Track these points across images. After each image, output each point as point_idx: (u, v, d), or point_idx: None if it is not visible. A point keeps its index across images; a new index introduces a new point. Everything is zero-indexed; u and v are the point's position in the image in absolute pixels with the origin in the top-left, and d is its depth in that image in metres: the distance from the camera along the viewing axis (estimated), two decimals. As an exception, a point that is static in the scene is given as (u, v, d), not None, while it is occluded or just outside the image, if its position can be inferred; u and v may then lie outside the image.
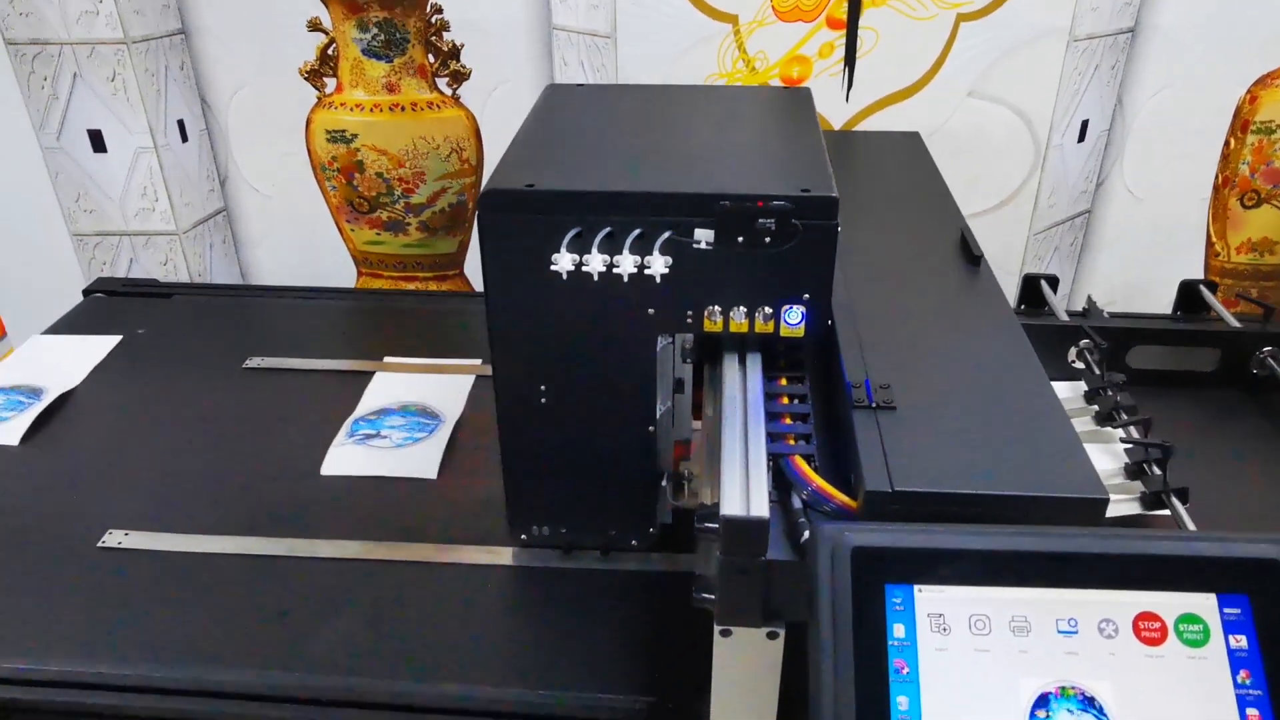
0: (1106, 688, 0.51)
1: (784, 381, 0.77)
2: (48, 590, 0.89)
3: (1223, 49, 1.49)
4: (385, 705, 0.79)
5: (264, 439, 1.11)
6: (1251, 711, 0.51)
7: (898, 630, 0.52)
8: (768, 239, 0.73)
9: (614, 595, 0.88)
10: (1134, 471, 0.91)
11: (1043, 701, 0.51)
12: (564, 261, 0.74)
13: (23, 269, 1.67)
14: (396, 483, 1.03)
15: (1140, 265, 1.68)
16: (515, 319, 0.79)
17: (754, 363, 0.78)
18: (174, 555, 0.93)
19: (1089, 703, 0.51)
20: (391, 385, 1.19)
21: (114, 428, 1.14)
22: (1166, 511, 0.80)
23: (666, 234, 0.74)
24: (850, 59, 1.48)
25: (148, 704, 0.80)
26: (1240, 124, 1.55)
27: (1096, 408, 0.95)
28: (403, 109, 1.58)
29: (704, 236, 0.74)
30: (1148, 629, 0.52)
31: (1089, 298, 1.17)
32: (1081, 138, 1.56)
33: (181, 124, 1.61)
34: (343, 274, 1.77)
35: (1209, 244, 1.66)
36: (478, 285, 1.69)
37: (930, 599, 0.53)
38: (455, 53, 1.55)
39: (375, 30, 1.53)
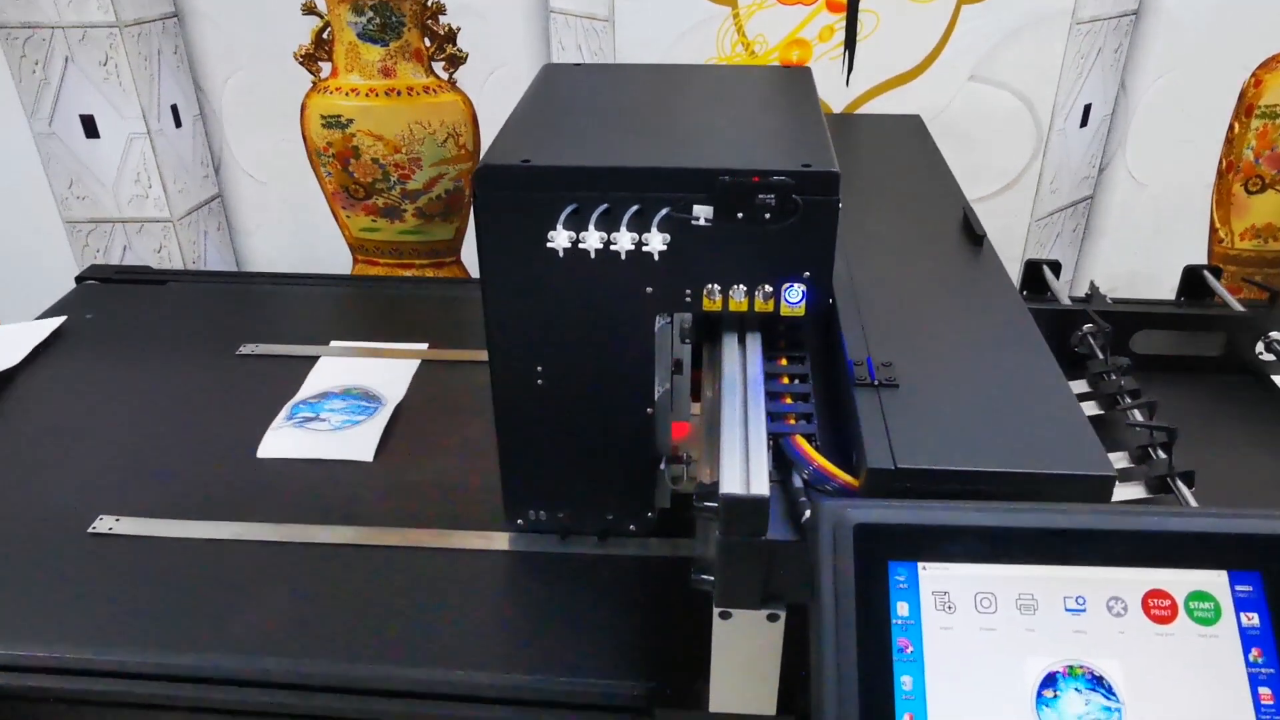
0: (1115, 667, 0.50)
1: (784, 362, 0.76)
2: (36, 576, 0.88)
3: (1227, 31, 1.47)
4: (382, 691, 0.78)
5: (259, 426, 1.10)
6: (1264, 690, 0.50)
7: (901, 609, 0.51)
8: (768, 215, 0.72)
9: (612, 580, 0.86)
10: (1139, 456, 0.90)
11: (1050, 681, 0.50)
12: (560, 239, 0.73)
13: (15, 256, 1.65)
14: (331, 465, 1.02)
15: (1143, 252, 1.67)
16: (511, 299, 0.78)
17: (754, 342, 0.77)
18: (165, 541, 0.92)
19: (1097, 682, 0.50)
20: (336, 369, 1.19)
21: (104, 413, 1.12)
22: (1172, 496, 0.79)
23: (665, 210, 0.73)
24: (850, 42, 1.46)
25: (148, 690, 0.79)
26: (1244, 108, 1.53)
27: (1101, 392, 0.94)
28: (399, 94, 1.57)
29: (703, 213, 0.73)
30: (1158, 607, 0.51)
31: (1092, 283, 1.16)
32: (1084, 122, 1.54)
33: (175, 109, 1.59)
34: (338, 262, 1.75)
35: (1212, 230, 1.65)
36: (475, 273, 1.67)
37: (935, 577, 0.52)
38: (452, 36, 1.53)
39: (370, 14, 1.51)
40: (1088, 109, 1.54)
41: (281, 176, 1.68)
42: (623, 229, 0.72)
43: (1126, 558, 0.52)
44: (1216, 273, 1.17)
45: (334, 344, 1.25)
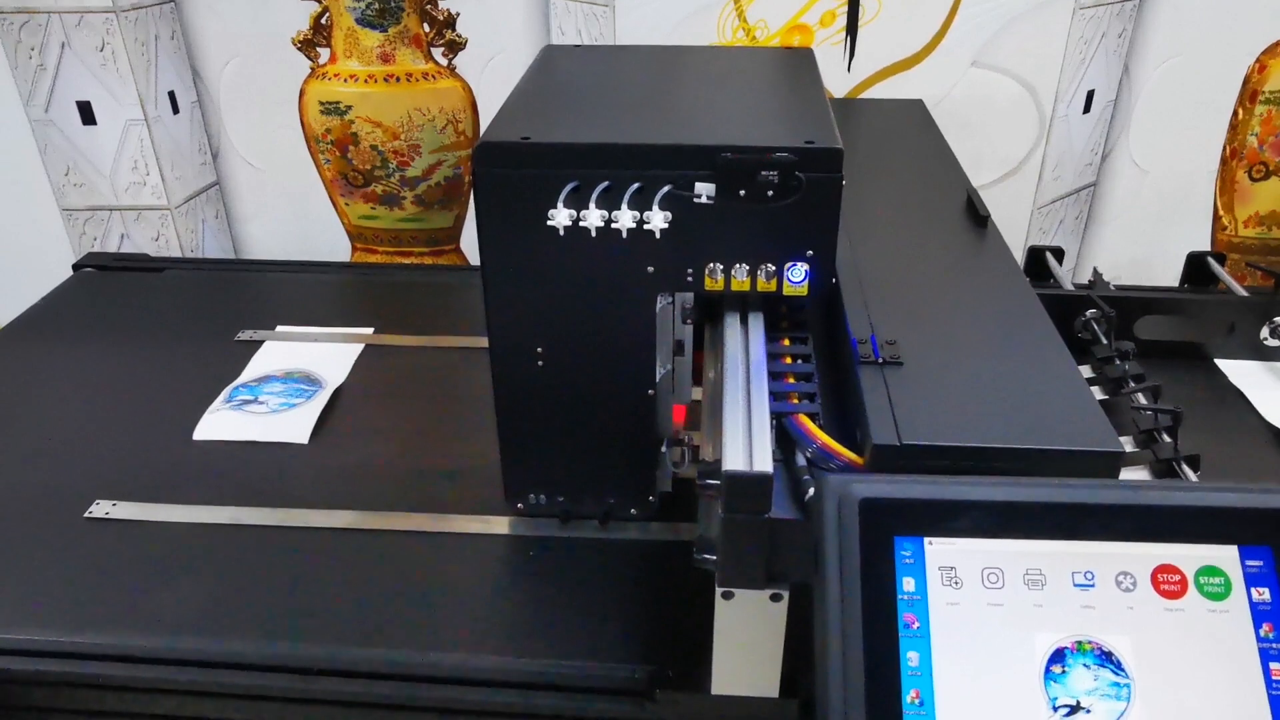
0: (1124, 642, 0.50)
1: (787, 342, 0.75)
2: (31, 561, 0.87)
3: (1231, 16, 1.46)
4: (383, 675, 0.77)
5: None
6: (1275, 666, 0.49)
7: (907, 584, 0.51)
8: (770, 193, 0.71)
9: (613, 565, 0.86)
10: (1144, 440, 0.89)
11: (1058, 656, 0.49)
12: (560, 217, 0.72)
13: (12, 244, 1.65)
14: (268, 447, 1.02)
15: (1146, 240, 1.66)
16: (511, 278, 0.77)
17: (756, 322, 0.76)
18: (163, 525, 0.91)
19: (1106, 657, 0.49)
20: (279, 353, 1.19)
21: (101, 400, 1.12)
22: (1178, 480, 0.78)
23: (666, 188, 0.72)
24: (852, 28, 1.46)
25: (153, 675, 0.78)
26: (1249, 94, 1.52)
27: (1106, 377, 0.93)
28: (398, 80, 1.56)
29: (705, 190, 0.72)
30: (1167, 582, 0.50)
31: (1094, 270, 1.15)
32: (1087, 109, 1.54)
33: (172, 95, 1.58)
34: (337, 250, 1.74)
35: (1216, 217, 1.64)
36: (474, 261, 1.67)
37: (941, 552, 0.51)
38: (451, 21, 1.52)
39: (369, -1, 1.51)
40: (1091, 95, 1.53)
41: (280, 164, 1.67)
42: (624, 207, 0.71)
43: (1136, 532, 0.51)
44: (1220, 259, 1.16)
45: (279, 328, 1.25)
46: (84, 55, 1.48)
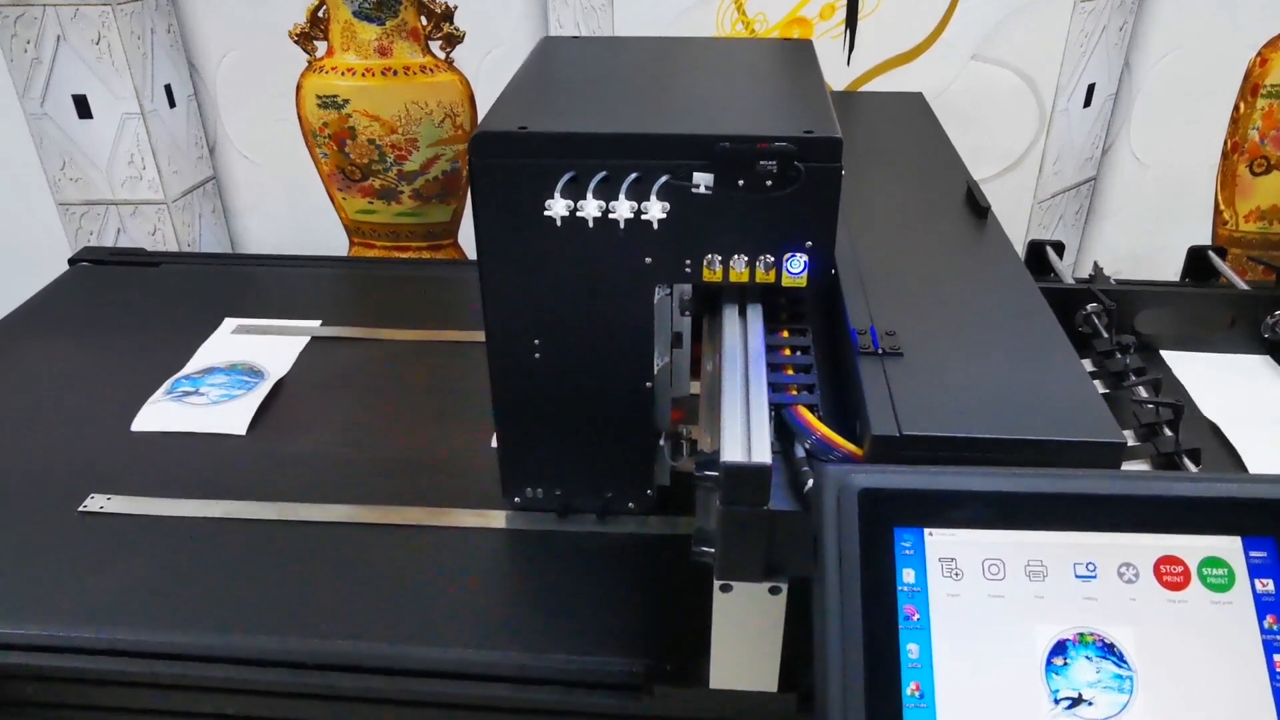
0: (1127, 634, 0.49)
1: (785, 334, 0.75)
2: (25, 554, 0.87)
3: (1233, 9, 1.45)
4: (381, 670, 0.77)
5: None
6: (1279, 657, 0.48)
7: (907, 575, 0.50)
8: (769, 183, 0.70)
9: (611, 559, 0.85)
10: (1145, 434, 0.89)
11: (1060, 649, 0.49)
12: (558, 207, 0.71)
13: (7, 238, 1.64)
14: (203, 438, 1.02)
15: (1147, 234, 1.65)
16: (507, 269, 0.76)
17: (754, 313, 0.76)
18: (158, 519, 0.91)
19: (1108, 650, 0.49)
20: (224, 345, 1.19)
21: (96, 394, 1.11)
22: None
23: (664, 178, 0.71)
24: (851, 21, 1.45)
25: (148, 670, 0.78)
26: (1250, 87, 1.52)
27: (1107, 371, 0.93)
28: (395, 73, 1.55)
29: (703, 180, 0.71)
30: (1170, 573, 0.50)
31: (1095, 264, 1.14)
32: (1088, 102, 1.53)
33: (169, 89, 1.57)
34: (335, 245, 1.74)
35: (1217, 212, 1.63)
36: (472, 255, 1.66)
37: (941, 543, 0.50)
38: (449, 14, 1.51)
39: (366, -8, 1.50)
40: (1091, 89, 1.52)
41: (277, 158, 1.66)
42: (621, 197, 0.71)
43: (1138, 523, 0.50)
44: (1222, 253, 1.16)
45: (228, 320, 1.25)
46: (80, 48, 1.47)
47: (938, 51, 1.46)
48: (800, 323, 0.76)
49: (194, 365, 1.15)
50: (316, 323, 1.24)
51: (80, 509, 0.92)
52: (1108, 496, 0.50)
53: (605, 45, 1.01)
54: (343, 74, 1.56)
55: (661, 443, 0.85)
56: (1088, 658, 0.49)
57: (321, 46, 1.56)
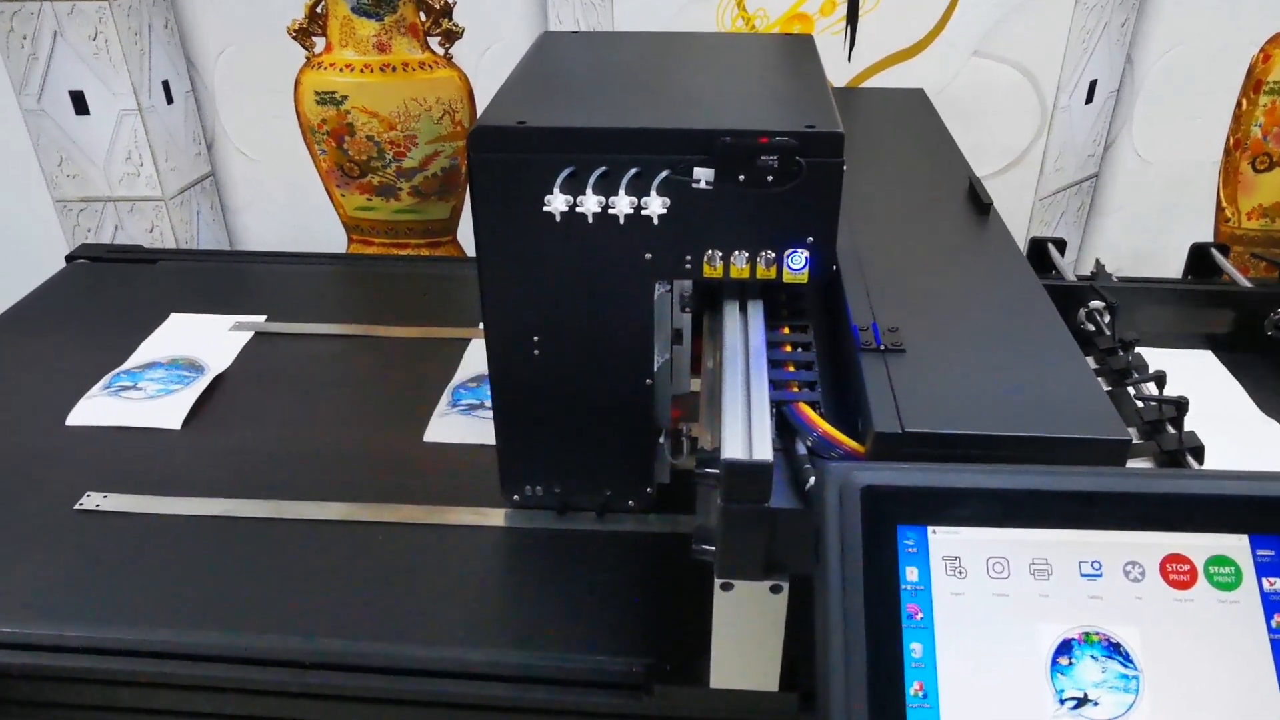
0: (1133, 633, 0.48)
1: (787, 330, 0.74)
2: (21, 553, 0.86)
3: (1235, 6, 1.45)
4: (379, 669, 0.76)
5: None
6: (1287, 658, 0.48)
7: (911, 574, 0.49)
8: (770, 178, 0.70)
9: (611, 557, 0.85)
10: (1148, 431, 0.88)
11: (1065, 648, 0.48)
12: (557, 202, 0.70)
13: (4, 235, 1.63)
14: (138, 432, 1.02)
15: (1149, 231, 1.65)
16: (506, 264, 0.76)
17: (755, 310, 0.75)
18: (153, 518, 0.90)
19: (1114, 649, 0.48)
20: (167, 340, 1.19)
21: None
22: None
23: (664, 173, 0.70)
24: (852, 17, 1.44)
25: (144, 669, 0.77)
26: (1253, 84, 1.51)
27: (1109, 368, 0.92)
28: (394, 69, 1.54)
29: (704, 176, 0.70)
30: (1176, 571, 0.49)
31: (1097, 261, 1.14)
32: (1089, 99, 1.52)
33: (166, 85, 1.56)
34: (333, 242, 1.73)
35: (1219, 209, 1.63)
36: (471, 253, 1.65)
37: (945, 541, 0.50)
38: (448, 10, 1.51)
39: (365, -13, 1.49)
40: (1093, 85, 1.52)
41: (275, 154, 1.65)
42: (621, 192, 0.70)
43: (1144, 521, 0.50)
44: (1224, 250, 1.15)
45: (173, 315, 1.25)
46: (77, 44, 1.46)
47: (939, 48, 1.45)
48: (801, 319, 0.75)
49: (135, 360, 1.15)
50: (261, 317, 1.24)
51: (76, 507, 0.91)
52: (1113, 494, 0.50)
53: (605, 40, 1.01)
54: (341, 70, 1.55)
55: (661, 440, 0.85)
56: (1093, 657, 0.48)
57: (320, 42, 1.55)
